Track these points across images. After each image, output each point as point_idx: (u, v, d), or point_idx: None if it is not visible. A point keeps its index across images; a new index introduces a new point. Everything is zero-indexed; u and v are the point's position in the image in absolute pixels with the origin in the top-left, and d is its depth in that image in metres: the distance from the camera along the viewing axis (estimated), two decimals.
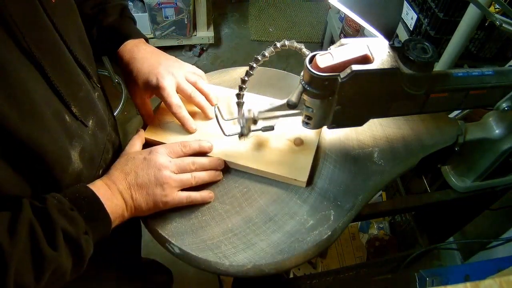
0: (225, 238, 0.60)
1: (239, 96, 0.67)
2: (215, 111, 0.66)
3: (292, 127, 0.71)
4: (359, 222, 1.42)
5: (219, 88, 0.78)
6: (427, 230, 1.21)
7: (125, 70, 0.69)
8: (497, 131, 0.71)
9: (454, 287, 0.47)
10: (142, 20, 2.16)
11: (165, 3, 2.10)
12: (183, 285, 1.51)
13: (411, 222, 1.26)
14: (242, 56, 2.46)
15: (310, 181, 0.66)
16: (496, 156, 0.72)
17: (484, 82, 0.58)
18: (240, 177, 0.67)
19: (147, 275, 1.14)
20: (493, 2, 0.96)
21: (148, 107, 0.71)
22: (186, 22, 2.21)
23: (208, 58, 2.45)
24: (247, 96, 0.68)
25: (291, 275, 1.20)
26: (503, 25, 0.58)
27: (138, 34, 0.71)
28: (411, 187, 1.32)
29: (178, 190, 0.61)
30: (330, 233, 0.60)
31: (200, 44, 2.41)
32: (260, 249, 0.59)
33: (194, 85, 0.70)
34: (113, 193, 0.55)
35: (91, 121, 0.58)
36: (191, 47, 2.42)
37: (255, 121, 0.63)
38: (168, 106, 0.67)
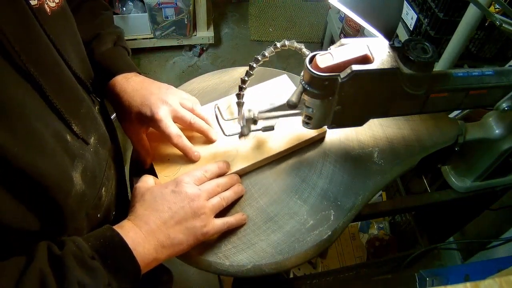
0: (225, 238, 0.60)
1: (239, 96, 0.67)
2: (215, 111, 0.66)
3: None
4: (359, 222, 1.42)
5: (210, 105, 0.74)
6: (427, 230, 1.21)
7: (116, 103, 0.64)
8: (497, 131, 0.71)
9: (454, 287, 0.47)
10: (142, 20, 2.16)
11: (165, 3, 2.09)
12: (183, 285, 1.51)
13: (411, 222, 1.26)
14: (242, 56, 2.46)
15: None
16: (496, 156, 0.72)
17: (484, 82, 0.58)
18: (240, 177, 0.67)
19: (147, 275, 1.14)
20: (493, 2, 0.96)
21: (146, 143, 0.65)
22: (186, 22, 2.21)
23: (208, 58, 2.45)
24: (248, 91, 0.68)
25: (291, 275, 1.20)
26: (503, 25, 0.59)
27: (129, 67, 0.66)
28: (411, 187, 1.32)
29: (214, 217, 0.58)
30: (330, 233, 0.60)
31: (200, 44, 2.41)
32: (260, 249, 0.59)
33: (192, 111, 0.66)
34: (145, 236, 0.50)
35: (92, 138, 0.55)
36: (191, 47, 2.42)
37: (255, 121, 0.63)
38: (167, 138, 0.62)
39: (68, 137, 0.49)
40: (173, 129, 0.62)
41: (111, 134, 0.65)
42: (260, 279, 0.74)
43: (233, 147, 0.68)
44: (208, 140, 0.68)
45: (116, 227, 0.49)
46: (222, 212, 0.60)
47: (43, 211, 0.45)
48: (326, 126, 0.63)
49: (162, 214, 0.53)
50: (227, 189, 0.62)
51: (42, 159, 0.42)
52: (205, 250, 0.59)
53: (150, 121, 0.61)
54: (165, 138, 0.63)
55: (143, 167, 0.66)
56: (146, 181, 0.60)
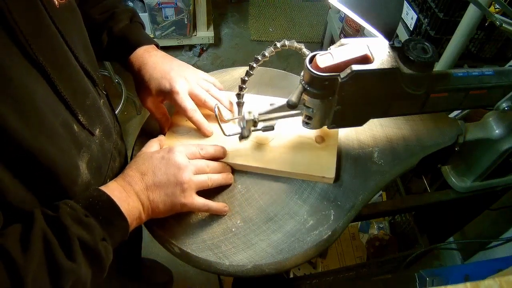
0: (225, 238, 0.60)
1: (239, 96, 0.67)
2: (215, 111, 0.66)
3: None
4: (359, 222, 1.42)
5: (231, 93, 0.76)
6: (427, 230, 1.21)
7: (136, 76, 0.67)
8: (497, 131, 0.71)
9: (454, 287, 0.47)
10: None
11: (165, 3, 2.10)
12: (183, 285, 1.51)
13: (411, 222, 1.26)
14: (242, 56, 2.46)
15: (337, 177, 0.66)
16: (496, 156, 0.72)
17: (484, 82, 0.58)
18: (240, 176, 0.67)
19: (147, 275, 1.14)
20: (493, 2, 0.96)
21: (163, 109, 0.69)
22: (186, 22, 2.22)
23: (208, 58, 2.45)
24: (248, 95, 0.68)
25: (291, 275, 1.20)
26: (503, 25, 0.58)
27: (149, 41, 0.70)
28: (411, 187, 1.32)
29: (196, 193, 0.59)
30: (330, 233, 0.60)
31: (200, 44, 2.41)
32: (260, 249, 0.59)
33: (208, 91, 0.69)
34: (128, 195, 0.53)
35: (98, 129, 0.57)
36: (191, 47, 2.42)
37: (255, 123, 0.63)
38: (183, 111, 0.66)
39: (75, 127, 0.50)
40: (189, 103, 0.66)
41: (115, 128, 0.66)
42: (260, 279, 0.74)
43: (250, 151, 0.68)
44: (220, 119, 0.70)
45: (102, 187, 0.52)
46: (208, 195, 0.61)
47: (51, 198, 0.47)
48: (332, 174, 0.64)
49: (145, 177, 0.56)
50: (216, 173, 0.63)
51: (51, 146, 0.44)
52: (205, 250, 0.59)
53: (168, 94, 0.65)
54: (181, 111, 0.67)
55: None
56: (150, 145, 0.63)
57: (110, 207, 0.49)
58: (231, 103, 0.72)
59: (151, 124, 0.74)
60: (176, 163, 0.57)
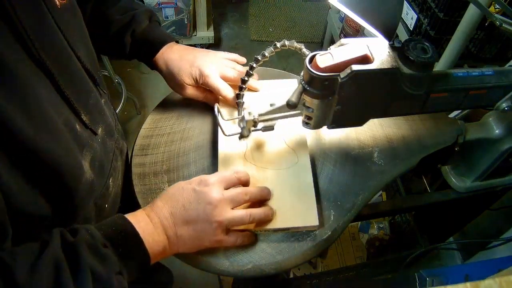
0: None
1: (239, 96, 0.67)
2: (215, 111, 0.66)
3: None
4: (359, 222, 1.42)
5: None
6: (427, 230, 1.21)
7: (165, 72, 0.72)
8: (497, 131, 0.71)
9: (454, 287, 0.47)
10: None
11: (165, 3, 2.10)
12: (183, 285, 1.51)
13: (411, 222, 1.26)
14: (242, 56, 2.45)
15: (322, 222, 0.61)
16: (496, 156, 0.72)
17: (484, 82, 0.58)
18: None
19: (147, 275, 1.14)
20: (493, 2, 0.96)
21: (203, 91, 0.74)
22: (186, 22, 2.21)
23: None
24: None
25: (291, 275, 1.20)
26: (503, 25, 0.58)
27: (170, 38, 0.74)
28: (411, 187, 1.32)
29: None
30: (330, 233, 0.60)
31: (200, 44, 2.41)
32: (260, 249, 0.59)
33: (233, 69, 0.73)
34: (155, 228, 0.51)
35: (100, 129, 0.57)
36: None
37: (255, 123, 0.63)
38: (217, 91, 0.70)
39: (78, 126, 0.50)
40: (221, 83, 0.70)
41: (117, 127, 0.67)
42: (260, 279, 0.74)
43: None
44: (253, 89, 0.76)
45: (128, 216, 0.50)
46: None
47: (55, 197, 0.46)
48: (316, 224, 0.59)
49: (174, 210, 0.52)
50: (256, 203, 0.59)
51: (55, 145, 0.44)
52: (205, 250, 0.59)
53: (200, 78, 0.70)
54: (215, 91, 0.71)
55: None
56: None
57: (133, 240, 0.47)
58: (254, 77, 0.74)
59: (152, 123, 0.74)
60: (208, 198, 0.53)
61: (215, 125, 0.74)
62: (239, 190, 0.57)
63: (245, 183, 0.61)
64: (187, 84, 0.71)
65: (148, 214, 0.52)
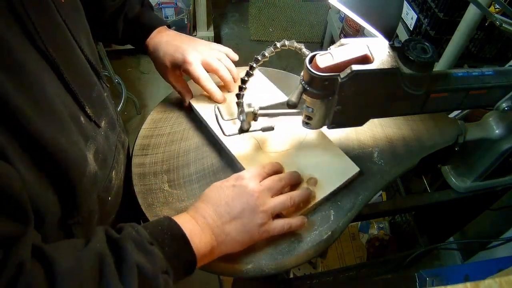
0: None
1: (239, 96, 0.67)
2: (215, 111, 0.66)
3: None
4: (359, 222, 1.42)
5: (243, 68, 0.77)
6: (427, 230, 1.21)
7: (153, 55, 0.72)
8: (497, 131, 0.71)
9: (454, 287, 0.47)
10: None
11: (165, 3, 2.10)
12: (183, 285, 1.51)
13: (411, 222, 1.26)
14: (242, 56, 2.45)
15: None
16: (496, 156, 0.72)
17: (484, 82, 0.58)
18: None
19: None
20: (493, 2, 0.96)
21: (184, 83, 0.74)
22: (186, 22, 2.21)
23: None
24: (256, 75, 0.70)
25: (291, 275, 1.20)
26: (503, 25, 0.59)
27: (161, 22, 0.74)
28: (411, 187, 1.32)
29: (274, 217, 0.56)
30: (330, 233, 0.60)
31: None
32: (260, 249, 0.59)
33: (219, 60, 0.73)
34: (202, 229, 0.50)
35: (103, 121, 0.58)
36: None
37: (255, 115, 0.63)
38: (196, 79, 0.70)
39: (82, 119, 0.50)
40: (201, 72, 0.70)
41: (118, 120, 0.67)
42: (260, 279, 0.74)
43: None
44: (227, 89, 0.75)
45: (174, 218, 0.50)
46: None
47: (61, 189, 0.46)
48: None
49: (218, 209, 0.53)
50: (293, 187, 0.61)
51: (62, 136, 0.44)
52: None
53: (181, 64, 0.69)
54: (195, 80, 0.71)
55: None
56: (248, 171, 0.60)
57: (179, 239, 0.47)
58: (237, 77, 0.75)
59: (152, 123, 0.74)
60: (249, 191, 0.54)
61: (215, 125, 0.74)
62: (274, 177, 0.59)
63: (278, 171, 0.62)
64: (169, 68, 0.71)
65: (193, 216, 0.52)
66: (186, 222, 0.50)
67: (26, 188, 0.39)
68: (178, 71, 0.72)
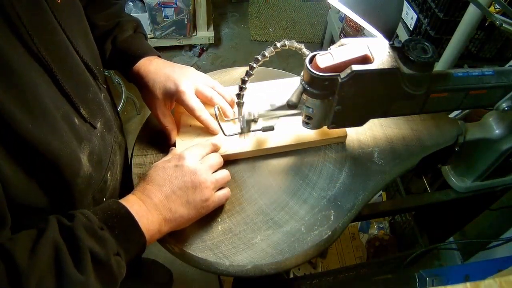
0: (225, 238, 0.60)
1: (239, 96, 0.67)
2: (215, 111, 0.66)
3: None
4: (359, 222, 1.42)
5: (234, 87, 0.75)
6: (427, 230, 1.21)
7: (140, 84, 0.67)
8: (497, 131, 0.71)
9: (454, 287, 0.47)
10: (142, 20, 2.13)
11: (165, 3, 2.10)
12: (183, 285, 1.51)
13: (411, 222, 1.26)
14: (242, 56, 2.46)
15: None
16: (496, 156, 0.72)
17: (484, 82, 0.58)
18: (240, 176, 0.67)
19: (147, 275, 1.14)
20: (493, 2, 0.96)
21: (172, 118, 0.69)
22: (186, 22, 2.21)
23: (208, 58, 2.45)
24: (250, 88, 0.69)
25: (291, 275, 1.20)
26: (503, 25, 0.59)
27: (152, 51, 0.70)
28: (411, 187, 1.32)
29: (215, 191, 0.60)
30: (330, 233, 0.60)
31: (200, 44, 2.41)
32: (260, 249, 0.59)
33: (212, 88, 0.70)
34: (148, 209, 0.52)
35: (99, 123, 0.57)
36: (191, 47, 2.42)
37: (255, 123, 0.63)
38: (190, 110, 0.66)
39: (76, 120, 0.50)
40: (195, 102, 0.66)
41: (116, 121, 0.67)
42: (260, 279, 0.74)
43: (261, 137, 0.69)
44: (224, 116, 0.71)
45: (121, 201, 0.51)
46: None
47: (53, 190, 0.47)
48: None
49: (163, 188, 0.55)
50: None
51: (54, 138, 0.44)
52: (205, 250, 0.59)
53: (174, 94, 0.65)
54: (189, 110, 0.67)
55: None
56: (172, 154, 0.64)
57: (128, 221, 0.49)
58: (233, 101, 0.71)
59: (152, 123, 0.75)
60: (191, 169, 0.57)
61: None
62: (213, 154, 0.63)
63: (217, 150, 0.66)
64: (159, 98, 0.66)
65: (139, 197, 0.54)
66: (133, 204, 0.51)
67: (14, 190, 0.40)
68: (169, 102, 0.67)
